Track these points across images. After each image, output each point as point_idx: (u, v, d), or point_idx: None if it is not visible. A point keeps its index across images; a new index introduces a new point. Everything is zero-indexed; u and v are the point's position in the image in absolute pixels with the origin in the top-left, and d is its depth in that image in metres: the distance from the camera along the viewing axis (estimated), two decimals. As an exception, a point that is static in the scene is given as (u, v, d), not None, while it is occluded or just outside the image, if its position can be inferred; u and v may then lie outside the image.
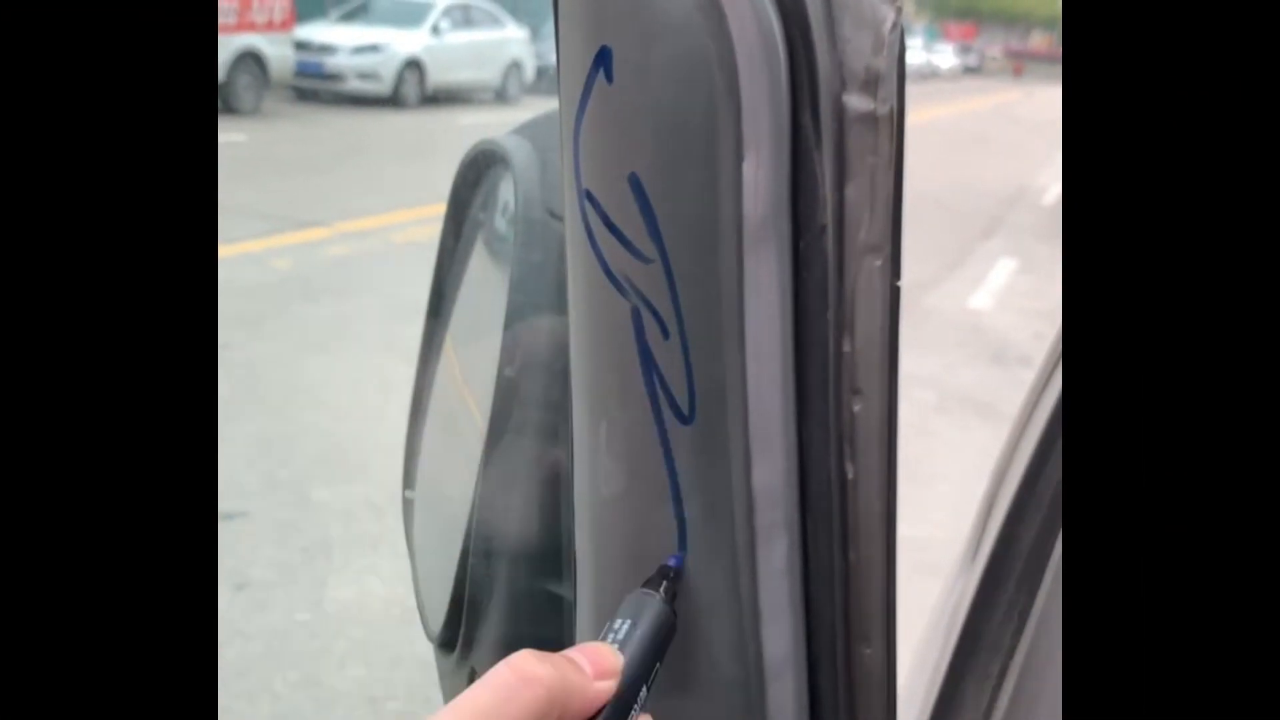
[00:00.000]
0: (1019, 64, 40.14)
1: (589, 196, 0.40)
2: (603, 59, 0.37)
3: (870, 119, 0.39)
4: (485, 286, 0.63)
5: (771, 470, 0.41)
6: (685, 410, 0.40)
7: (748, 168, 0.37)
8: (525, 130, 0.61)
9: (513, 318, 0.55)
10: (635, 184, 0.38)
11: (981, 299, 5.82)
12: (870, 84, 0.39)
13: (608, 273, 0.40)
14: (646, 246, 0.39)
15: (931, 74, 29.13)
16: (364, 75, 11.61)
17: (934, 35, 39.10)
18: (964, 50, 37.66)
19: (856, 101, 0.39)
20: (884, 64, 0.39)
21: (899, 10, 0.39)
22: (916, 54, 27.45)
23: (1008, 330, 5.18)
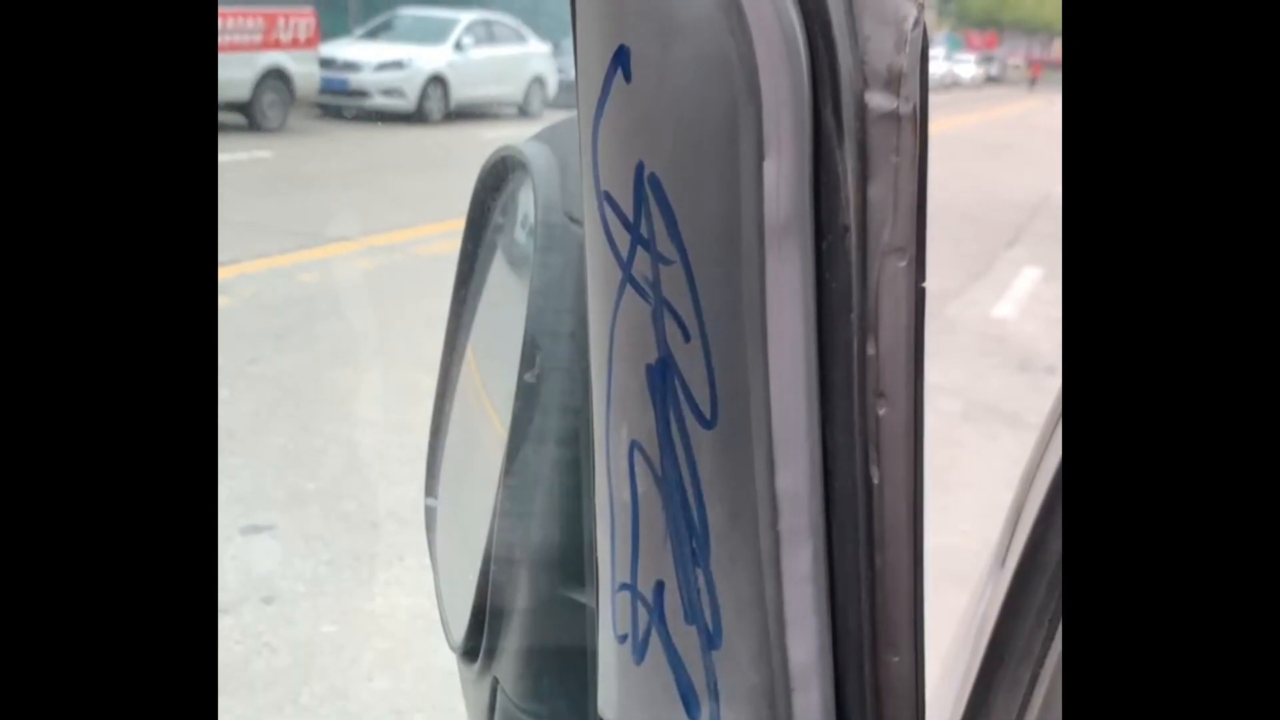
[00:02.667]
0: (1036, 68, 37.60)
1: (608, 198, 0.39)
2: (621, 58, 0.37)
3: (893, 117, 0.38)
4: (506, 292, 0.63)
5: (795, 475, 0.40)
6: (707, 414, 0.40)
7: (769, 167, 0.37)
8: (544, 135, 0.61)
9: (533, 323, 0.55)
10: (655, 184, 0.38)
11: (1006, 308, 5.78)
12: (892, 82, 0.38)
13: (627, 275, 0.40)
14: (666, 248, 0.38)
15: (954, 83, 29.05)
16: (388, 91, 11.71)
17: (956, 45, 38.96)
18: (986, 59, 37.50)
19: (879, 100, 0.38)
20: (906, 62, 0.38)
21: (921, 7, 0.39)
22: (939, 64, 27.39)
23: (1033, 339, 5.14)
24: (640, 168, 0.38)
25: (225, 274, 5.12)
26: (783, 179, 0.37)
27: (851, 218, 0.38)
